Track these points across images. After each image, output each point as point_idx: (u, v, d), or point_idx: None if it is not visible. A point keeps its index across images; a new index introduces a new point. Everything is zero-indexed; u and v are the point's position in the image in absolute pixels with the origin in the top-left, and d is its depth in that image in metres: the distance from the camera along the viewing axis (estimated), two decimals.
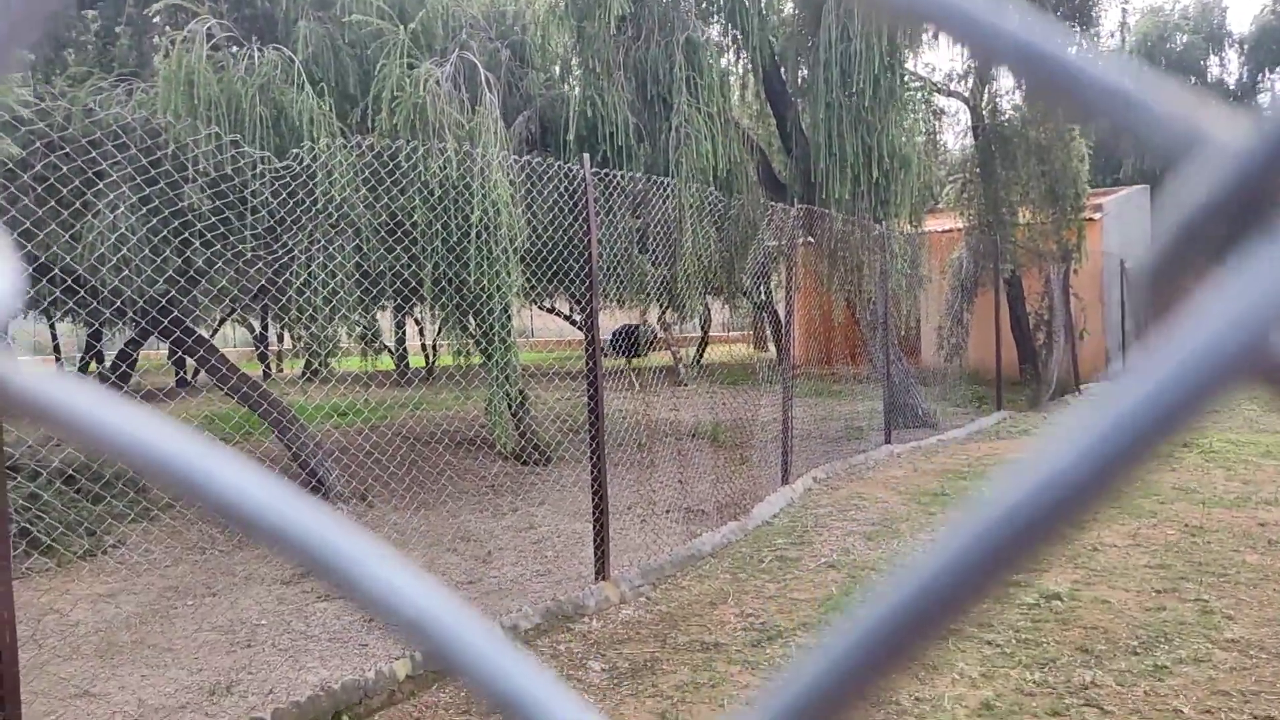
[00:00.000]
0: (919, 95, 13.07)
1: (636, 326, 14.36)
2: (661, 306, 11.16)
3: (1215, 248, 0.27)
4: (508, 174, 6.44)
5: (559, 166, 5.61)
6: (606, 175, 6.14)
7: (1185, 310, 0.26)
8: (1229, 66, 25.77)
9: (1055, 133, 13.15)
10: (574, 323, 17.16)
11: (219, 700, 3.87)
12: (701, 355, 21.71)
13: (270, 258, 5.59)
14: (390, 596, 0.32)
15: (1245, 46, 25.07)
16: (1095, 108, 0.29)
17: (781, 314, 11.10)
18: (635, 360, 16.88)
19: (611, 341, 15.11)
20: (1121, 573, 5.21)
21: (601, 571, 5.21)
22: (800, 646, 4.31)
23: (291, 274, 5.60)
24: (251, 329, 21.43)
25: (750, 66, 10.67)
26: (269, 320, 19.26)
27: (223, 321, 19.01)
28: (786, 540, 6.26)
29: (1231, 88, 25.52)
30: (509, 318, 6.75)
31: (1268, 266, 0.25)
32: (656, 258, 8.15)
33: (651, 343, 17.39)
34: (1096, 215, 16.66)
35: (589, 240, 5.39)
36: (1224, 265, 0.27)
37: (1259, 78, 25.34)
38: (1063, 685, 3.76)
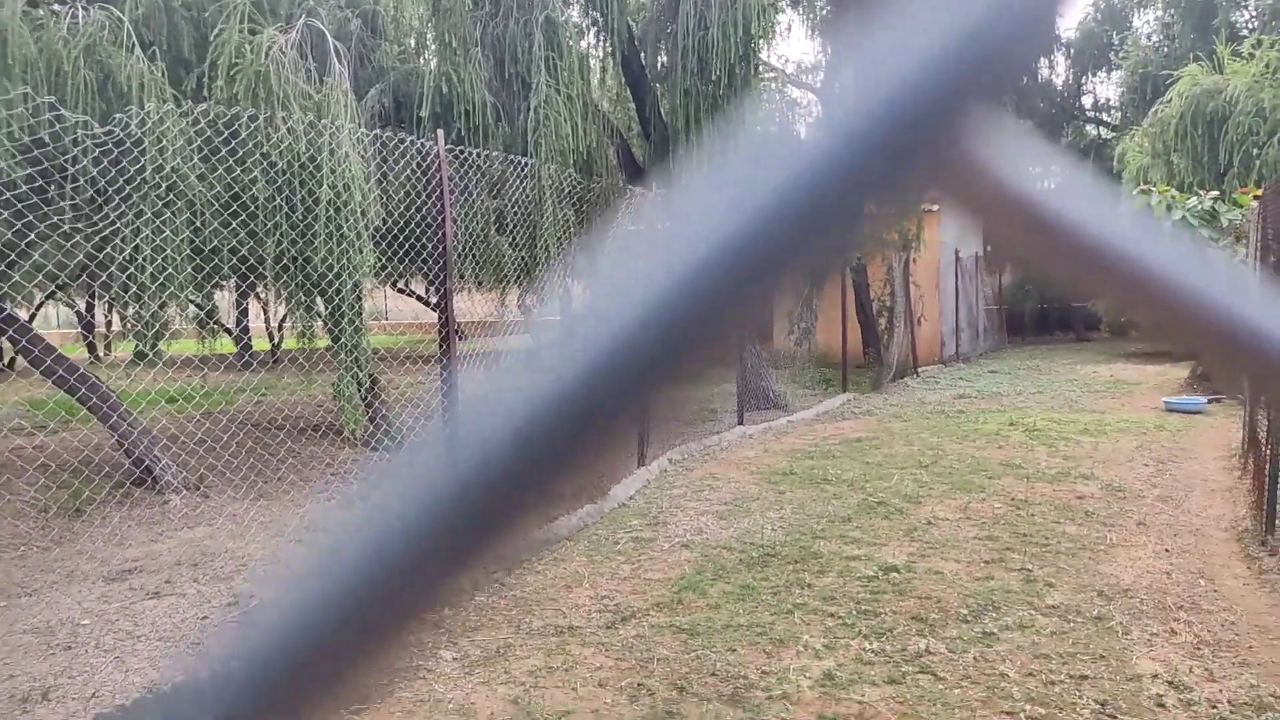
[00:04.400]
0: (774, 85, 13.41)
1: None
2: (521, 288, 11.02)
3: None
4: (359, 149, 6.19)
5: (412, 142, 5.43)
6: (462, 152, 5.99)
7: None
8: (1057, 69, 27.64)
9: None
10: (431, 305, 16.75)
11: (32, 708, 3.58)
12: None
13: (91, 231, 5.17)
14: None
15: (1071, 50, 26.93)
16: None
17: None
18: None
19: None
20: (953, 545, 5.53)
21: None
22: (654, 626, 4.37)
23: (114, 248, 5.20)
24: (77, 310, 19.86)
25: (610, 50, 10.64)
26: (95, 300, 17.91)
27: (43, 301, 17.57)
28: (642, 521, 6.33)
29: (1059, 89, 27.37)
30: (360, 299, 6.50)
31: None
32: (515, 239, 8.03)
33: None
34: (934, 207, 17.58)
35: (443, 218, 5.26)
36: None
37: (1083, 80, 27.29)
38: (899, 654, 3.95)
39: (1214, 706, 3.39)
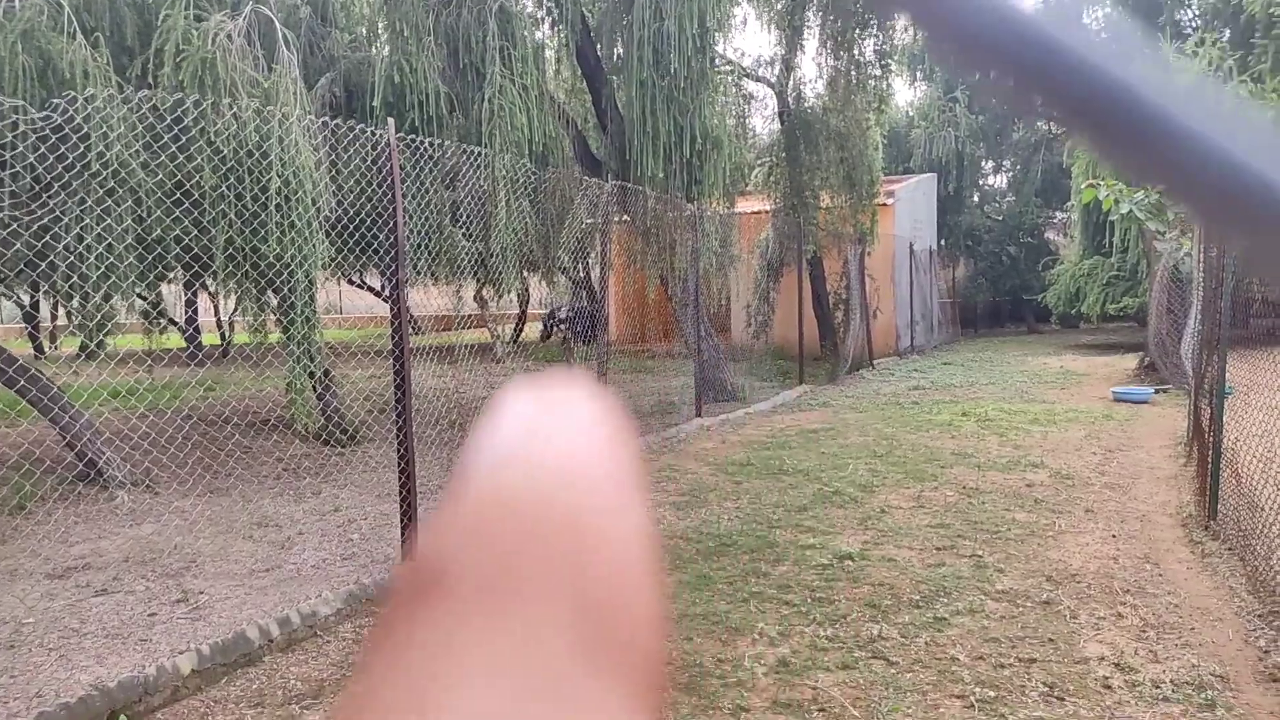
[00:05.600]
0: (730, 79, 13.44)
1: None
2: (478, 282, 10.92)
3: None
4: (309, 137, 6.08)
5: (362, 130, 5.33)
6: (414, 142, 5.91)
7: None
8: None
9: (853, 121, 13.88)
10: (385, 297, 16.50)
11: None
12: (520, 332, 21.54)
13: (29, 219, 5.01)
14: None
15: None
16: None
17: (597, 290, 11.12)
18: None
19: (567, 322, 13.73)
20: (906, 533, 5.60)
21: (409, 552, 5.05)
22: None
23: (53, 237, 5.05)
24: (21, 303, 19.30)
25: (565, 41, 10.58)
26: (40, 294, 17.42)
27: None
28: None
29: None
30: (312, 291, 6.39)
31: None
32: (470, 231, 7.95)
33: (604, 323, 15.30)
34: (889, 201, 17.77)
35: (394, 209, 5.18)
36: None
37: None
38: (852, 639, 3.99)
39: (1157, 687, 3.47)
